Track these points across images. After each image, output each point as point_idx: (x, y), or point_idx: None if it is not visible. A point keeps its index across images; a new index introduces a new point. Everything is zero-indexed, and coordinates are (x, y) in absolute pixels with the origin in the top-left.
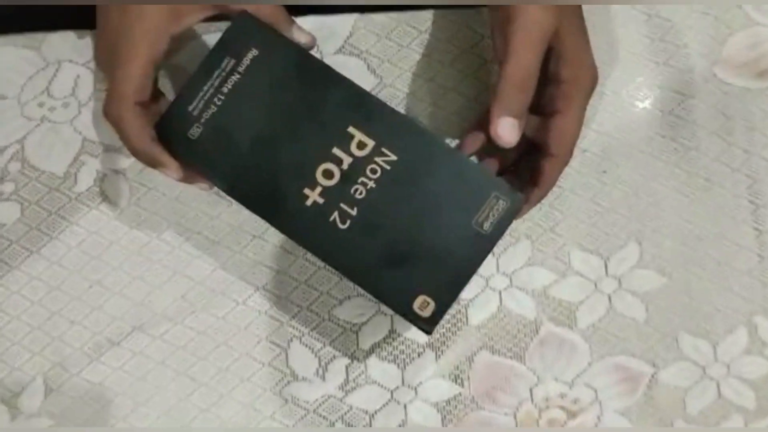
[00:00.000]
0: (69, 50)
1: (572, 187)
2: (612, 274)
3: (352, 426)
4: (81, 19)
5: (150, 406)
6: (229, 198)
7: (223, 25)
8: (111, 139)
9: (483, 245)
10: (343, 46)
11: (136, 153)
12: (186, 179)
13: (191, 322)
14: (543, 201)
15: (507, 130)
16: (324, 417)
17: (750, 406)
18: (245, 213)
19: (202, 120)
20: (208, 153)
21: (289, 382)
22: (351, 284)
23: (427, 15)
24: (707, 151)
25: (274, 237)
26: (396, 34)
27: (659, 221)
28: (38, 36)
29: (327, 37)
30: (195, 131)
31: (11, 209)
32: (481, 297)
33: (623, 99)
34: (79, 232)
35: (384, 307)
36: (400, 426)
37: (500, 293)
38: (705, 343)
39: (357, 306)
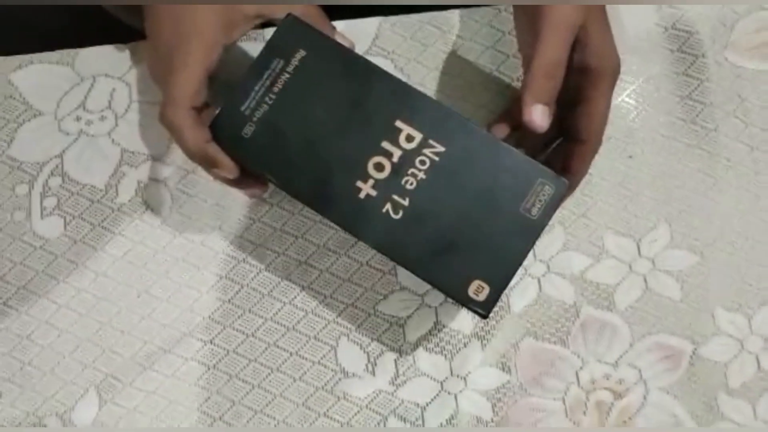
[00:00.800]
0: (103, 65)
1: (600, 173)
2: (645, 255)
3: (406, 420)
4: (112, 35)
5: (204, 410)
6: (269, 200)
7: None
8: (150, 149)
9: (532, 230)
10: (370, 48)
11: (192, 155)
12: (240, 183)
13: (240, 325)
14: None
15: (539, 116)
16: (377, 412)
17: None
18: (286, 215)
19: (255, 119)
20: (262, 151)
21: (340, 380)
22: (395, 278)
23: (449, 15)
24: (726, 132)
25: (315, 237)
26: (421, 35)
27: (686, 201)
28: (71, 52)
29: (355, 39)
30: (248, 130)
31: (55, 224)
32: (521, 285)
33: (641, 86)
34: (123, 243)
35: (428, 299)
36: (451, 417)
37: (539, 280)
38: (740, 317)
39: (401, 300)
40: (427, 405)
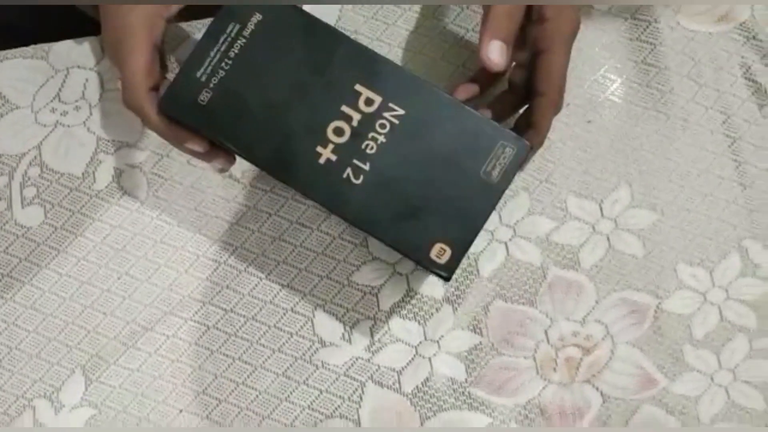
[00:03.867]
0: (75, 57)
1: (561, 138)
2: (607, 216)
3: (383, 385)
4: (84, 28)
5: (187, 385)
6: (242, 180)
7: None
8: (125, 136)
9: (493, 193)
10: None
11: (160, 133)
12: (209, 156)
13: (219, 301)
14: (536, 154)
15: (496, 53)
16: (354, 378)
17: (751, 326)
18: (260, 193)
19: (211, 85)
20: (219, 117)
21: (317, 349)
22: (367, 250)
23: None
24: (681, 94)
25: (288, 213)
26: (382, 14)
27: (645, 162)
28: (44, 46)
29: None
30: (204, 96)
31: (35, 212)
32: (489, 249)
33: (598, 53)
34: (102, 228)
35: (400, 268)
36: (426, 379)
37: (506, 244)
38: (702, 270)
39: (374, 270)
40: (403, 369)
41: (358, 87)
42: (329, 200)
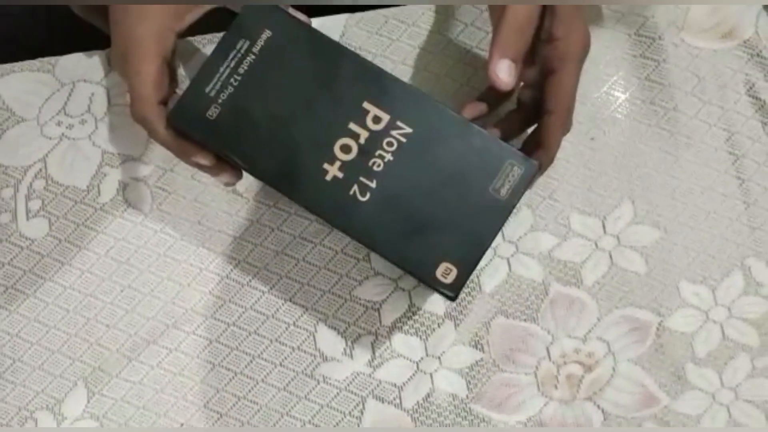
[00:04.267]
0: (82, 70)
1: (564, 155)
2: (610, 233)
3: (384, 400)
4: (91, 41)
5: (189, 399)
6: (246, 195)
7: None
8: (129, 150)
9: (500, 212)
10: None
11: (167, 146)
12: (215, 171)
13: (221, 315)
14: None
15: (504, 72)
16: (355, 393)
17: (754, 344)
18: (263, 208)
19: (220, 101)
20: (228, 133)
21: (319, 364)
22: (369, 264)
23: (414, 9)
24: (685, 111)
25: (291, 228)
26: (386, 30)
27: (648, 179)
28: (51, 60)
29: None
30: (213, 112)
31: (40, 225)
32: (491, 265)
33: (601, 70)
34: (106, 241)
35: (402, 283)
36: (427, 395)
37: (508, 260)
38: (704, 288)
39: (376, 285)
40: (404, 385)
41: (366, 104)
42: (335, 217)
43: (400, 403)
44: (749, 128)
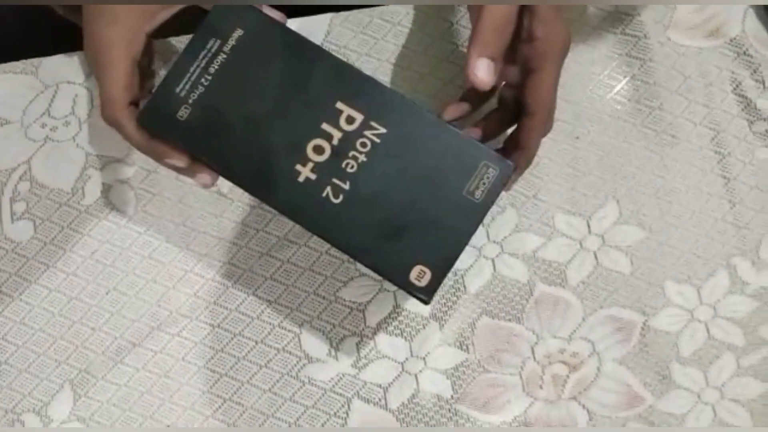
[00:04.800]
0: (65, 72)
1: (549, 155)
2: (595, 232)
3: (369, 401)
4: (73, 42)
5: (174, 401)
6: (230, 196)
7: None
8: (113, 151)
9: (475, 213)
10: (322, 44)
11: (139, 148)
12: (191, 171)
13: (206, 317)
14: (524, 171)
15: (483, 71)
16: (340, 394)
17: (739, 343)
18: (247, 209)
19: (190, 101)
20: (198, 133)
21: (304, 365)
22: (354, 266)
23: (398, 8)
24: (671, 110)
25: (276, 229)
26: (371, 29)
27: (633, 179)
28: (34, 61)
29: (306, 36)
30: (183, 112)
31: (25, 227)
32: (476, 266)
33: (586, 69)
34: (91, 243)
35: (387, 284)
36: (412, 396)
37: (493, 261)
38: (689, 288)
39: (361, 286)
40: (389, 386)
41: (339, 105)
42: (307, 219)
43: (386, 403)
44: (735, 127)
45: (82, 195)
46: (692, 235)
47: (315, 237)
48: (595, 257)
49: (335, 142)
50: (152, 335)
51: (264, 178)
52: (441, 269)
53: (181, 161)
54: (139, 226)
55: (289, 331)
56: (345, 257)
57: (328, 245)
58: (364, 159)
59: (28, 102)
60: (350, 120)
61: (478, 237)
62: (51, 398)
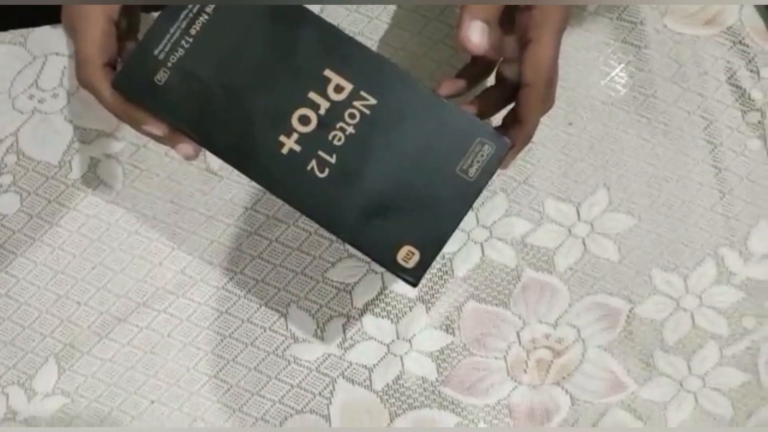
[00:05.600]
0: (54, 44)
1: (541, 140)
2: (584, 219)
3: (354, 381)
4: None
5: (159, 377)
6: (219, 174)
7: None
8: (102, 125)
9: (468, 193)
10: None
11: (115, 113)
12: (170, 139)
13: (193, 294)
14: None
15: (477, 34)
16: (326, 374)
17: (723, 333)
18: (236, 186)
19: (169, 64)
20: (176, 99)
21: (290, 344)
22: (342, 246)
23: None
24: (664, 98)
25: (265, 208)
26: (364, 8)
27: (625, 166)
28: (23, 32)
29: None
30: (162, 76)
31: (11, 200)
32: (464, 250)
33: (582, 54)
34: (78, 217)
35: (375, 266)
36: (397, 377)
37: (482, 245)
38: (676, 276)
39: (348, 267)
40: (374, 367)
41: (327, 72)
42: (290, 194)
43: (370, 384)
44: (728, 117)
45: (69, 168)
46: (681, 224)
47: (304, 217)
48: (584, 244)
49: (322, 112)
50: (138, 311)
51: (246, 150)
52: (430, 251)
53: (159, 129)
54: (126, 201)
55: (275, 310)
56: (333, 238)
57: (317, 225)
58: (353, 131)
59: (15, 73)
60: (339, 89)
61: (468, 221)
62: (36, 371)
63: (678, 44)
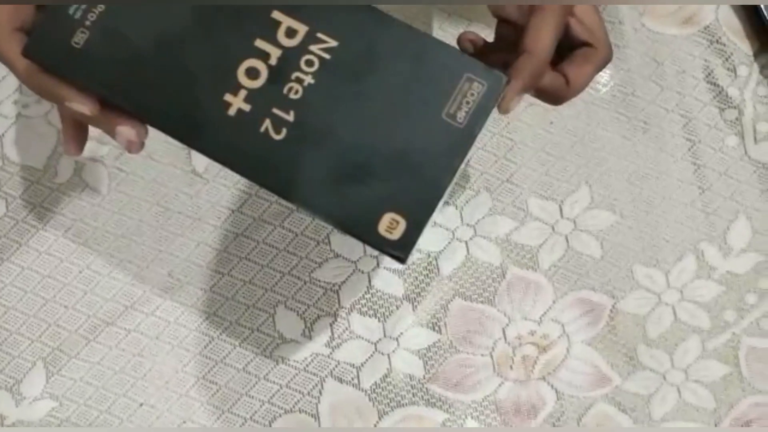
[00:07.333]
0: None
1: (523, 139)
2: (567, 217)
3: (342, 380)
4: None
5: (148, 379)
6: (205, 176)
7: None
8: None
9: (459, 141)
10: None
11: (31, 88)
12: (104, 119)
13: (180, 297)
14: (498, 154)
15: (515, 105)
16: (314, 374)
17: (705, 326)
18: (223, 189)
19: (87, 23)
20: (101, 63)
21: (278, 345)
22: (328, 247)
23: None
24: (643, 96)
25: (251, 209)
26: None
27: (606, 164)
28: None
29: None
30: (80, 38)
31: None
32: (449, 248)
33: None
34: (64, 222)
35: (361, 265)
36: (385, 376)
37: (466, 243)
38: (657, 272)
39: (335, 267)
40: (362, 365)
41: (275, 14)
42: (242, 163)
43: (359, 383)
44: (706, 114)
45: (54, 173)
46: (662, 220)
47: (290, 218)
48: (567, 241)
49: (273, 61)
50: (126, 314)
51: (186, 116)
52: (418, 217)
53: (86, 104)
54: (112, 204)
55: (263, 311)
56: (320, 238)
57: (303, 226)
58: (311, 81)
59: (0, 78)
60: (291, 33)
61: (452, 219)
62: (23, 376)
63: (656, 43)
